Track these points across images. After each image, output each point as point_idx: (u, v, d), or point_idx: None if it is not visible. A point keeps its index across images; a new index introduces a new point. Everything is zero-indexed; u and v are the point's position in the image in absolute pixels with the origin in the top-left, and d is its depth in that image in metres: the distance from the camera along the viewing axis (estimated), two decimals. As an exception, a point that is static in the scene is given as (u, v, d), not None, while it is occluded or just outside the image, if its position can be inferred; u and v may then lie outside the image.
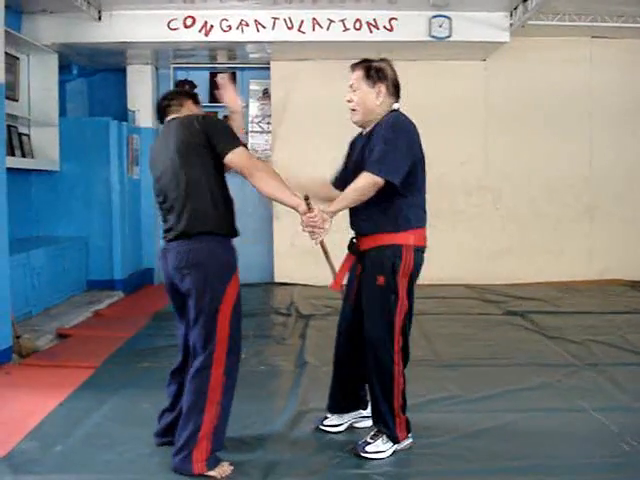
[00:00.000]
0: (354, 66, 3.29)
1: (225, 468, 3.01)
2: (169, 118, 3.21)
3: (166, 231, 3.09)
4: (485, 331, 5.75)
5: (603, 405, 3.86)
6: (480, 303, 7.00)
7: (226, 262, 3.03)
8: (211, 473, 2.95)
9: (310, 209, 2.99)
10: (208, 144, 2.96)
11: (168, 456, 3.10)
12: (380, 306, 3.17)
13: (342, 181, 3.34)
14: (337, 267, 3.40)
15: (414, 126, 3.21)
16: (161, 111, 3.26)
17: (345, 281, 3.41)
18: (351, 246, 3.35)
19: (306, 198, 2.98)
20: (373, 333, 3.18)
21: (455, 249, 8.11)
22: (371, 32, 7.10)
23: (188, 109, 3.23)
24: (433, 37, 7.12)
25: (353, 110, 3.27)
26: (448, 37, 7.12)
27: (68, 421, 3.65)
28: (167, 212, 3.08)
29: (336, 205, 3.11)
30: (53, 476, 3.00)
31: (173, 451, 3.01)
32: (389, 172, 3.05)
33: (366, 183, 3.06)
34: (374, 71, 3.22)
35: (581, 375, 4.46)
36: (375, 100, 3.21)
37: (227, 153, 2.95)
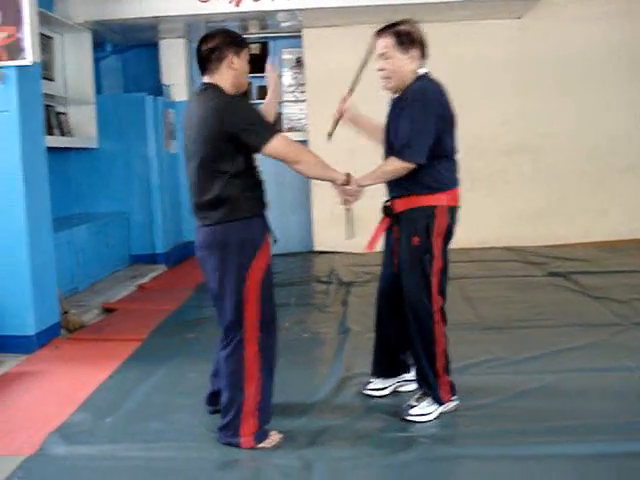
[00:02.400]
0: (380, 33, 3.21)
1: (274, 437, 3.03)
2: (205, 80, 3.00)
3: (194, 212, 3.03)
4: (528, 293, 5.71)
5: (650, 363, 3.82)
6: (522, 265, 6.94)
7: (249, 241, 2.92)
8: (260, 445, 2.98)
9: (349, 180, 3.06)
10: (234, 139, 2.81)
11: (217, 423, 3.15)
12: (416, 266, 3.18)
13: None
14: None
15: (441, 91, 3.17)
16: (200, 63, 3.02)
17: (381, 244, 3.42)
18: (385, 209, 3.34)
19: (348, 175, 3.07)
20: (412, 294, 3.19)
21: (495, 211, 8.03)
22: (404, -6, 6.99)
23: (228, 66, 2.94)
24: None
25: (387, 78, 3.21)
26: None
27: (117, 393, 3.73)
28: (191, 192, 3.02)
29: (369, 181, 3.16)
30: (105, 446, 3.07)
31: (219, 426, 3.04)
32: (417, 155, 3.08)
33: (396, 168, 3.13)
34: (405, 37, 3.15)
35: (627, 334, 4.41)
36: (409, 66, 3.16)
37: (263, 147, 2.83)
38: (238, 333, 2.94)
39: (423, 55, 3.21)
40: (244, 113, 2.86)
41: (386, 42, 3.17)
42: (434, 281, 3.19)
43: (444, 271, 3.25)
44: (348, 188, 3.08)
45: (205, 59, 2.98)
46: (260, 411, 2.98)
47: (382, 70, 3.20)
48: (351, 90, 3.45)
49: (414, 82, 3.17)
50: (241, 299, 2.92)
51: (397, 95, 3.26)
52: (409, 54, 3.15)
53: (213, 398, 3.30)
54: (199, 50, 3.00)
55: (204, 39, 3.00)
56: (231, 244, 2.90)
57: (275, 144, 2.84)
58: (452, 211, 3.23)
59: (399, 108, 3.19)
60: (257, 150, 2.86)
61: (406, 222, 3.22)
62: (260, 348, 2.97)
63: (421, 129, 3.07)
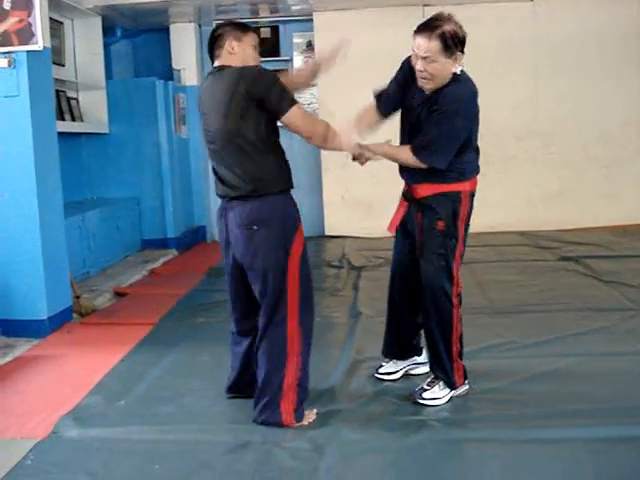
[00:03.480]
0: (424, 33, 2.99)
1: (311, 415, 3.07)
2: (215, 64, 3.04)
3: (222, 189, 3.03)
4: (539, 277, 5.69)
5: (662, 348, 3.81)
6: (533, 249, 6.91)
7: (290, 215, 2.99)
8: (298, 424, 3.00)
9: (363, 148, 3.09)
10: (257, 105, 2.84)
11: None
12: (440, 251, 3.16)
13: (388, 107, 3.31)
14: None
15: (475, 91, 3.13)
16: (209, 52, 3.09)
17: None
18: (406, 194, 3.32)
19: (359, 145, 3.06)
20: (433, 279, 3.18)
21: (507, 196, 7.99)
22: (414, -23, 6.93)
23: (228, 52, 3.00)
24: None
25: (426, 79, 3.07)
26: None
27: (130, 376, 3.75)
28: (221, 169, 3.01)
29: (381, 151, 3.15)
30: (117, 429, 3.09)
31: (256, 405, 3.03)
32: (435, 161, 3.07)
33: (409, 160, 3.11)
34: (451, 40, 2.98)
35: (639, 319, 4.39)
36: (451, 69, 3.06)
37: (282, 114, 2.85)
38: (282, 308, 2.97)
39: (463, 54, 3.10)
40: (268, 78, 2.89)
41: (430, 45, 2.97)
42: (455, 266, 3.19)
43: (462, 255, 3.25)
44: (360, 154, 3.11)
45: (211, 46, 3.07)
46: (300, 387, 3.02)
47: (422, 72, 3.05)
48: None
49: (451, 82, 3.08)
50: (286, 274, 2.95)
51: (428, 91, 3.14)
52: (453, 57, 3.02)
53: (234, 386, 3.32)
54: (209, 41, 3.09)
55: (211, 31, 3.11)
56: (275, 218, 2.94)
57: (295, 112, 2.87)
58: (472, 196, 3.23)
59: (431, 104, 3.09)
60: (278, 115, 2.87)
61: (430, 207, 3.19)
62: (301, 322, 3.00)
63: (450, 137, 3.04)
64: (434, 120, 3.06)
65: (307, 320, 3.06)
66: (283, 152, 3.05)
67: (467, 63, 3.19)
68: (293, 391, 3.00)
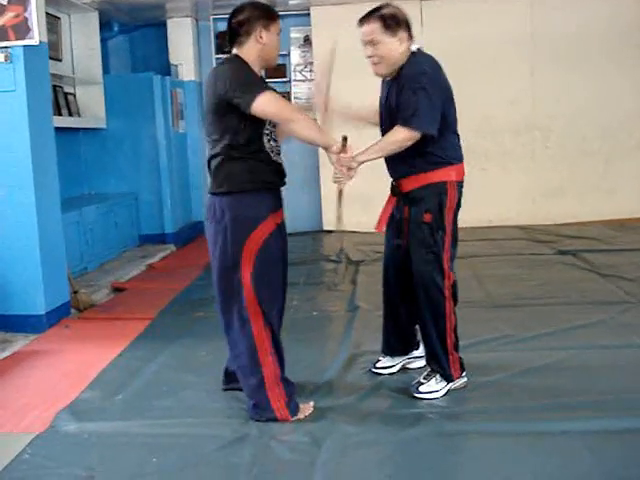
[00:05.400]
0: (364, 20, 3.13)
1: (307, 408, 3.07)
2: (233, 52, 2.97)
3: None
4: (537, 271, 5.69)
5: (659, 341, 3.81)
6: (531, 244, 6.91)
7: (246, 216, 2.92)
8: (295, 418, 3.00)
9: (345, 149, 2.98)
10: (226, 102, 2.82)
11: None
12: (428, 243, 3.16)
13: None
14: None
15: (438, 65, 3.16)
16: (229, 37, 2.98)
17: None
18: (393, 188, 3.32)
19: (344, 139, 2.97)
20: (423, 271, 3.18)
21: (505, 190, 7.98)
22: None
23: (256, 40, 2.92)
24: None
25: (377, 64, 3.15)
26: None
27: (127, 370, 3.75)
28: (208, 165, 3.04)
29: (368, 155, 3.09)
30: (115, 423, 3.10)
31: (249, 405, 3.04)
32: (426, 125, 3.04)
33: (403, 137, 3.05)
34: (390, 19, 3.09)
35: (636, 312, 4.40)
36: (399, 49, 3.10)
37: (250, 105, 2.77)
38: (236, 307, 2.97)
39: (410, 36, 3.15)
40: (233, 75, 2.84)
41: (372, 27, 3.10)
42: (445, 257, 3.19)
43: (454, 246, 3.25)
44: (343, 157, 2.99)
45: (234, 32, 2.95)
46: (283, 381, 3.01)
47: (371, 57, 3.14)
48: (326, 106, 3.22)
49: (409, 60, 3.13)
50: (237, 273, 2.93)
51: (390, 77, 3.20)
52: (397, 36, 3.09)
53: (229, 374, 3.31)
54: (230, 23, 2.97)
55: (234, 12, 2.97)
56: (233, 217, 2.91)
57: (261, 101, 2.77)
58: (460, 185, 3.22)
59: (398, 87, 3.13)
60: (245, 110, 2.79)
61: (417, 200, 3.19)
62: (265, 321, 2.97)
63: (429, 100, 3.03)
64: (407, 96, 3.06)
65: (272, 317, 3.01)
66: (267, 154, 2.97)
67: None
68: (278, 386, 2.99)
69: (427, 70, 3.09)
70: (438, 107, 3.07)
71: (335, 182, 3.14)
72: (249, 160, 2.93)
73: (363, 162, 3.08)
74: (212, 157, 2.97)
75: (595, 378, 3.37)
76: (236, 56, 2.95)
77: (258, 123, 2.90)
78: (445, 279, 3.19)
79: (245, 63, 2.93)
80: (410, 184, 3.21)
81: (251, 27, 2.92)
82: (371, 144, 3.12)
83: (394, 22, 3.09)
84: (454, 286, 3.25)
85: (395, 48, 3.10)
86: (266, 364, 2.97)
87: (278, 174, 3.04)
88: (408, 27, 3.14)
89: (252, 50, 2.94)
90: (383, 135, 3.22)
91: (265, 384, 2.97)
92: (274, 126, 2.99)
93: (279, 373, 3.01)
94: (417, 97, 3.03)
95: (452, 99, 3.19)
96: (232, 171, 2.92)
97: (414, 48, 3.16)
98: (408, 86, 3.07)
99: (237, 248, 2.92)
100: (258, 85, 2.86)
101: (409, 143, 3.06)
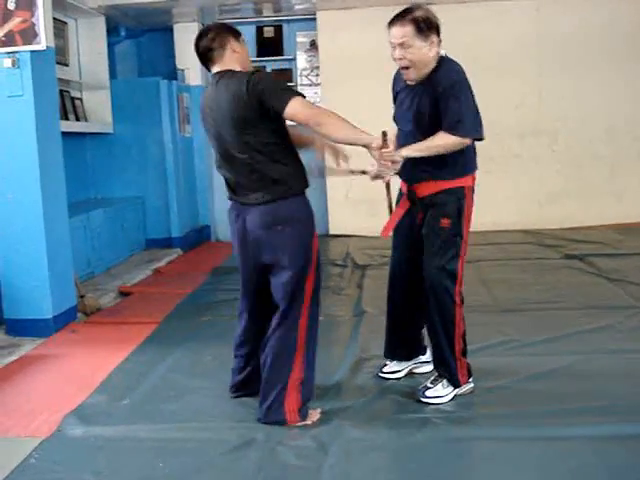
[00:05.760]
0: (396, 21, 3.06)
1: (315, 414, 3.07)
2: (215, 70, 3.01)
3: (238, 194, 3.02)
4: (544, 275, 5.68)
5: (667, 345, 3.80)
6: (538, 248, 6.90)
7: (310, 215, 3.02)
8: (302, 423, 3.00)
9: (386, 144, 2.91)
10: (264, 108, 2.82)
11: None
12: (446, 249, 3.15)
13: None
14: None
15: (465, 72, 3.14)
16: (203, 57, 3.03)
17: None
18: (410, 194, 3.28)
19: (384, 134, 2.90)
20: (436, 277, 3.16)
21: (511, 194, 7.99)
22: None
23: (232, 50, 2.99)
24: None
25: (406, 68, 3.10)
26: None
27: (134, 375, 3.75)
28: (237, 176, 3.00)
29: (412, 152, 3.05)
30: (121, 428, 3.10)
31: (262, 405, 3.04)
32: (473, 130, 3.06)
33: (453, 142, 3.03)
34: (423, 23, 3.03)
35: (644, 316, 4.39)
36: (429, 53, 3.06)
37: (284, 109, 2.79)
38: (298, 307, 2.99)
39: (440, 40, 3.12)
40: (267, 78, 2.89)
41: (404, 31, 3.02)
42: (460, 263, 3.19)
43: (466, 254, 3.25)
44: (385, 152, 2.92)
45: (209, 50, 3.00)
46: (305, 386, 3.02)
47: (401, 59, 3.08)
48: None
49: (440, 64, 3.11)
50: (307, 272, 2.98)
51: (416, 82, 3.15)
52: (429, 40, 3.04)
53: (238, 385, 3.31)
54: (198, 46, 3.02)
55: (200, 36, 3.04)
56: (298, 218, 2.96)
57: (294, 104, 2.79)
58: (473, 192, 3.23)
59: (430, 93, 3.09)
60: (279, 113, 2.81)
61: (434, 205, 3.18)
62: (309, 322, 3.02)
63: (471, 107, 3.05)
64: (447, 102, 3.03)
65: (315, 320, 3.08)
66: (297, 153, 3.04)
67: (470, 61, 3.19)
68: (298, 390, 3.00)
69: (462, 76, 3.09)
70: (477, 110, 3.09)
71: (375, 179, 3.10)
72: (293, 161, 2.99)
73: (407, 157, 3.04)
74: (246, 168, 2.93)
75: (603, 383, 3.35)
76: (229, 70, 2.97)
77: (284, 125, 2.95)
78: (456, 285, 3.18)
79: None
80: (428, 189, 3.19)
81: (223, 40, 3.00)
82: (416, 144, 3.07)
83: (427, 26, 3.04)
84: (462, 292, 3.24)
85: (426, 52, 3.06)
86: (297, 364, 2.99)
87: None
88: (438, 31, 3.10)
89: (233, 61, 3.00)
90: (399, 141, 3.20)
91: (288, 385, 2.98)
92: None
93: (306, 375, 3.02)
94: (459, 103, 3.02)
95: None
96: (282, 175, 2.93)
97: (443, 53, 3.14)
98: (448, 93, 3.03)
99: (308, 250, 2.98)
100: (291, 89, 2.93)
101: (458, 148, 3.06)
